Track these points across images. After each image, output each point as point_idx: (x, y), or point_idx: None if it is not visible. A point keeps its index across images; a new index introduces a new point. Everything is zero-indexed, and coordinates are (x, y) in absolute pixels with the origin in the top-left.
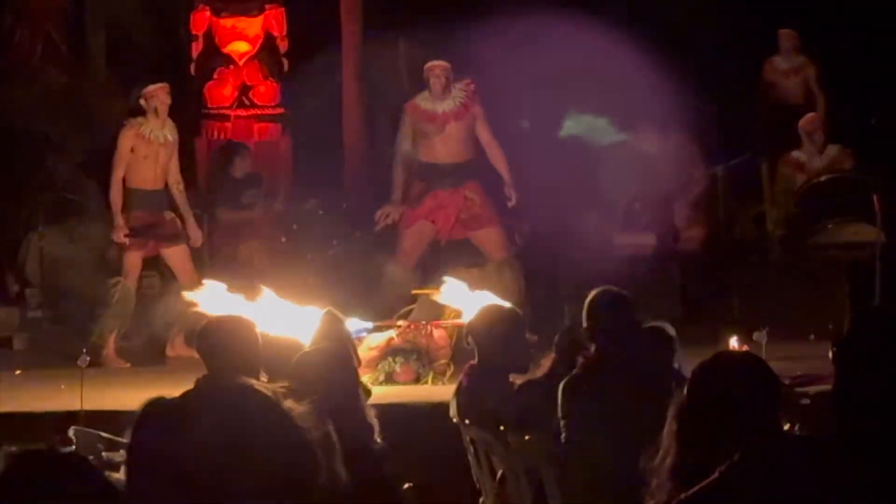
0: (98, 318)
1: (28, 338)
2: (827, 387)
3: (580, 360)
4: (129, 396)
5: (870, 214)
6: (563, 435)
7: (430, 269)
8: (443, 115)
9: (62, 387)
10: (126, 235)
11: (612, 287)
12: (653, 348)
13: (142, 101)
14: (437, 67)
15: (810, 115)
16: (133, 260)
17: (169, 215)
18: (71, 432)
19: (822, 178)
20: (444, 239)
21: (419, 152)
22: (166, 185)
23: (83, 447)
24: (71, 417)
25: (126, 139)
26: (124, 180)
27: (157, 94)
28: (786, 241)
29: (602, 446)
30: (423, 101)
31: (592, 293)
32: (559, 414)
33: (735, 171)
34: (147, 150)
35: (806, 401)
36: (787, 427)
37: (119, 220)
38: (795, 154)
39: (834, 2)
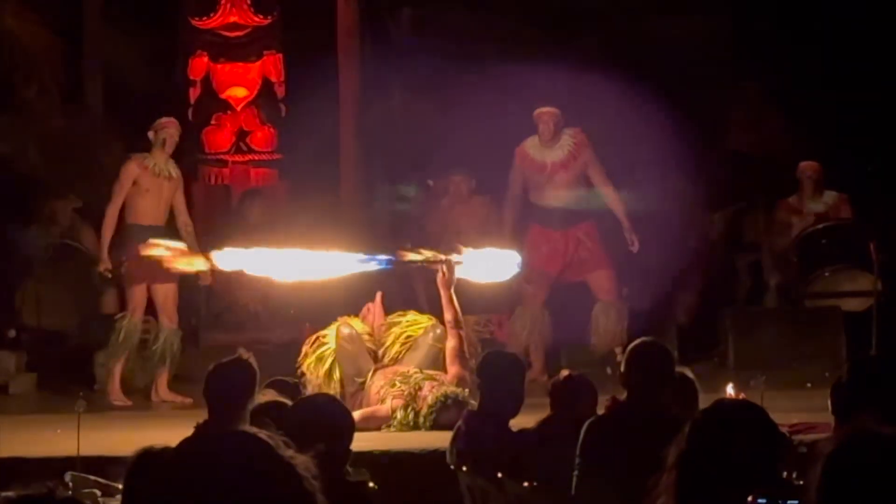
0: (107, 353)
1: (25, 382)
2: (825, 435)
3: (607, 404)
4: (126, 441)
5: (867, 263)
6: (576, 473)
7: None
8: (551, 165)
9: (58, 431)
10: (108, 270)
11: (654, 339)
12: (680, 400)
13: (150, 134)
14: (545, 114)
15: (811, 162)
16: (140, 294)
17: None
18: (67, 477)
19: (819, 226)
20: (559, 282)
21: (530, 195)
22: (166, 224)
23: (79, 493)
24: (67, 463)
25: (130, 170)
26: (124, 215)
27: (167, 127)
28: (782, 289)
29: (611, 491)
30: (532, 148)
31: (635, 342)
32: (577, 452)
33: (731, 218)
34: (150, 183)
35: (803, 449)
36: (784, 476)
37: (104, 252)
38: (792, 199)
39: (830, 48)
